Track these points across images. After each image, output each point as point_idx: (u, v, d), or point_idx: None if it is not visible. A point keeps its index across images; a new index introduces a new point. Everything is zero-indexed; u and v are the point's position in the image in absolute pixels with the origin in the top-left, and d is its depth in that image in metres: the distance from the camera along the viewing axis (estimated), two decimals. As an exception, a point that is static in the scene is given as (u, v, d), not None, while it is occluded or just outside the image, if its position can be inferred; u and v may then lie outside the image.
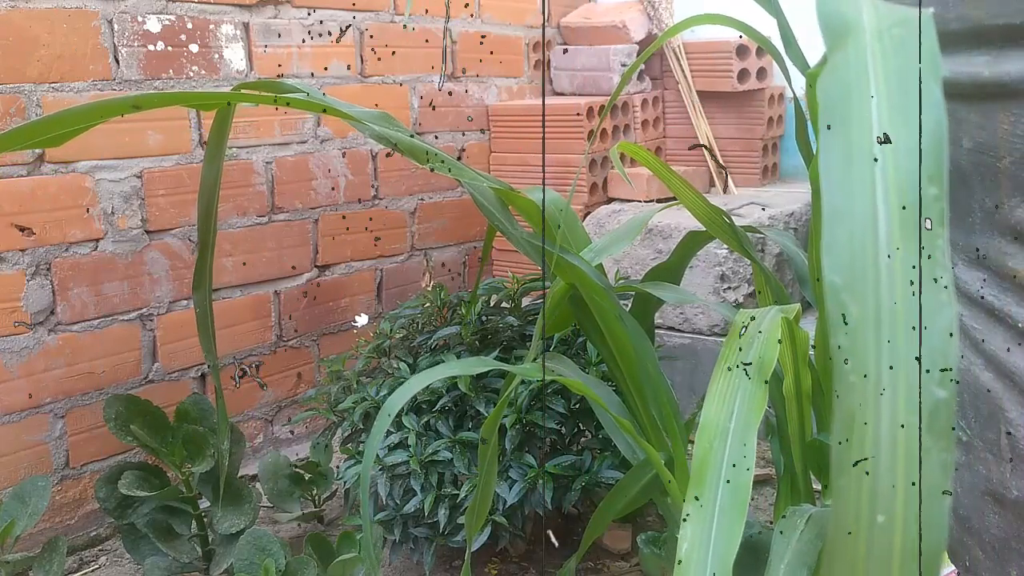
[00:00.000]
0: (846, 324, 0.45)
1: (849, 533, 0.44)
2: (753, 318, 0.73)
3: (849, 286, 0.45)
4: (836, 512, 0.45)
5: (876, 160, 0.46)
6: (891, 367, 0.45)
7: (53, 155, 1.55)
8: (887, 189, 0.46)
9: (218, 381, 1.24)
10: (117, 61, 1.62)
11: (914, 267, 0.45)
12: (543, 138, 2.25)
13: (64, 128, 0.74)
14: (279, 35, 1.87)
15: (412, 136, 0.89)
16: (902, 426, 0.44)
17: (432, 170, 0.88)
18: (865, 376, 0.44)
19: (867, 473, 0.44)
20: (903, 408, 0.45)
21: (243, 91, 0.94)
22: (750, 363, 0.68)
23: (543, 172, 2.27)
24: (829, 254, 0.46)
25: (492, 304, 1.58)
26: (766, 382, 0.66)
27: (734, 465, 0.62)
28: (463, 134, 2.30)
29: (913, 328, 0.44)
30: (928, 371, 0.44)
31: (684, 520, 0.59)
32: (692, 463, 0.63)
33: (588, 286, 0.97)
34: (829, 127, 0.47)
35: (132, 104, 0.75)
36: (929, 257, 0.45)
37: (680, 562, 0.58)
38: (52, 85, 1.54)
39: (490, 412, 1.35)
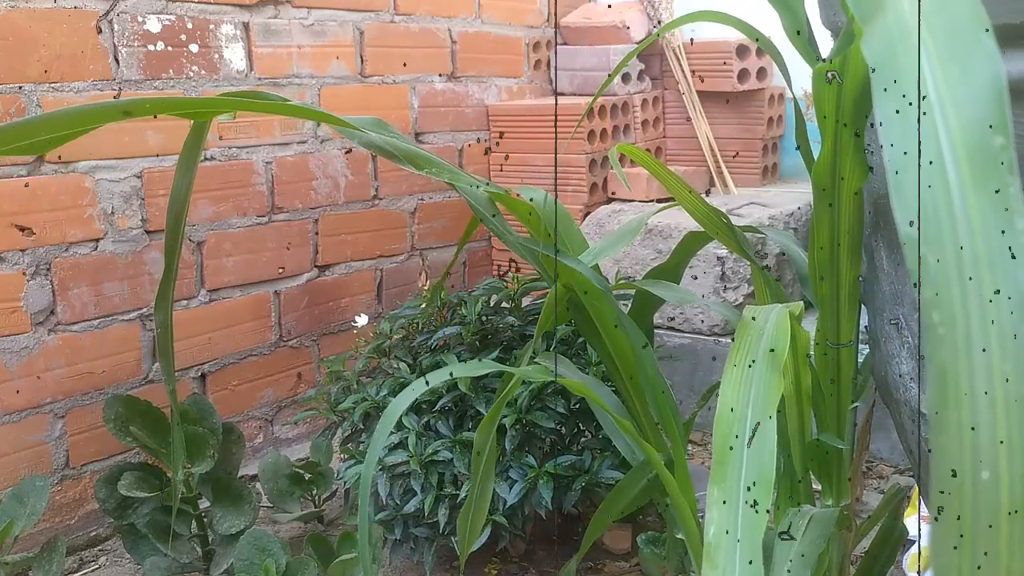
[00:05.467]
0: (928, 276, 0.43)
1: (950, 493, 0.42)
2: (760, 313, 0.73)
3: (926, 237, 0.44)
4: (938, 472, 0.43)
5: (936, 112, 0.45)
6: (980, 316, 0.43)
7: (52, 155, 1.55)
8: (951, 139, 0.45)
9: (174, 404, 1.20)
10: (117, 61, 1.62)
11: (989, 213, 0.43)
12: (554, 138, 2.25)
13: (51, 132, 0.71)
14: (279, 35, 1.87)
15: (407, 143, 0.89)
16: (1001, 378, 0.42)
17: (424, 171, 0.88)
18: (955, 328, 0.42)
19: (972, 429, 0.42)
20: (998, 358, 0.42)
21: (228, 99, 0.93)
22: (762, 352, 0.67)
23: (555, 172, 2.27)
24: (901, 208, 0.44)
25: (492, 304, 1.58)
26: (780, 370, 0.66)
27: (756, 446, 0.61)
28: (463, 134, 2.30)
29: (999, 275, 0.42)
30: (1015, 315, 0.42)
31: (710, 503, 0.59)
32: (713, 447, 0.62)
33: (585, 288, 0.97)
34: (885, 89, 0.46)
35: (123, 110, 0.74)
36: (1006, 209, 0.43)
37: (710, 544, 0.57)
38: (52, 85, 1.54)
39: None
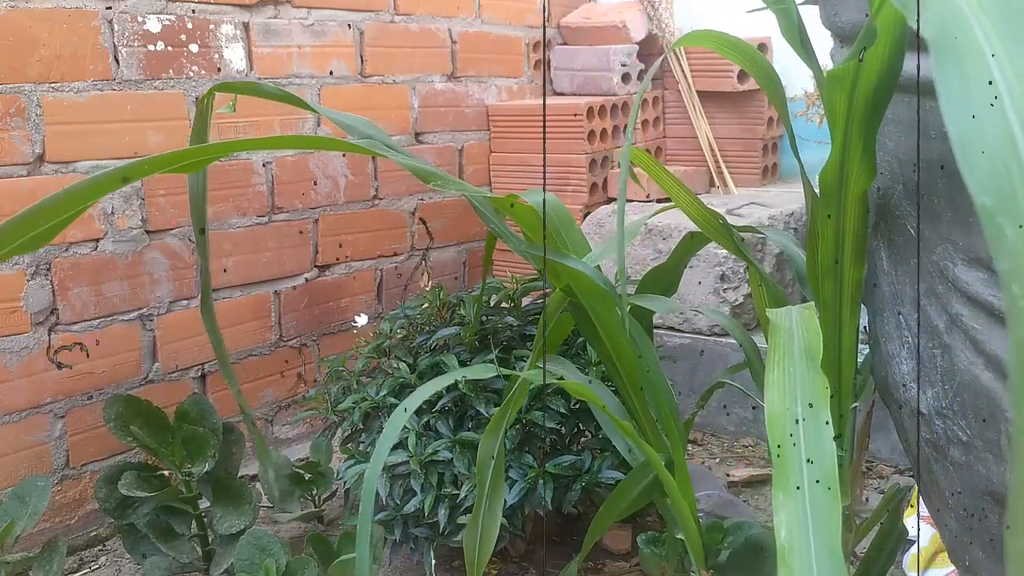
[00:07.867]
0: (1006, 247, 0.41)
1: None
2: (782, 316, 0.73)
3: (1000, 207, 0.42)
4: (1018, 470, 0.40)
5: (1003, 89, 0.45)
6: None
7: (53, 156, 1.55)
8: (1018, 110, 0.44)
9: (241, 401, 1.16)
10: (117, 61, 1.62)
11: None
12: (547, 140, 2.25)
13: (51, 219, 0.66)
14: (279, 35, 1.87)
15: (423, 165, 0.89)
16: None
17: (432, 184, 0.88)
18: None
19: None
20: None
21: (220, 93, 0.91)
22: (799, 351, 0.67)
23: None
24: (972, 177, 0.43)
25: (492, 304, 1.58)
26: (819, 367, 0.65)
27: (814, 445, 0.60)
28: (463, 134, 2.30)
29: None
30: None
31: (777, 508, 0.57)
32: (771, 452, 0.61)
33: (586, 290, 0.97)
34: (943, 62, 0.46)
35: (121, 177, 0.72)
36: None
37: (783, 547, 0.55)
38: (52, 85, 1.54)
39: (490, 412, 1.35)
